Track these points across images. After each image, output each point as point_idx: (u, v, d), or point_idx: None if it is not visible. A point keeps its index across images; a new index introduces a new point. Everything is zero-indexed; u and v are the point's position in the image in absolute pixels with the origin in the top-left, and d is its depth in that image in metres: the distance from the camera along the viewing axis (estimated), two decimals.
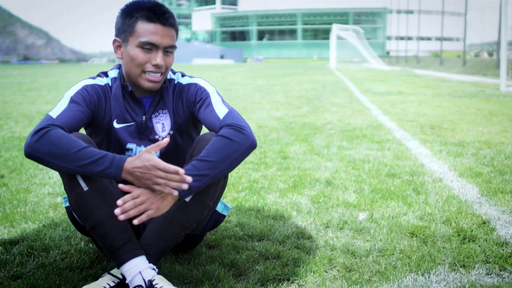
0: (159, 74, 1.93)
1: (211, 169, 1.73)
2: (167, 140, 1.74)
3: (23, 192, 3.28)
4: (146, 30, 1.88)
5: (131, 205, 1.67)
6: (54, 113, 1.83)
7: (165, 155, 2.05)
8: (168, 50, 1.93)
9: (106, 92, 2.01)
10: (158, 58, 1.90)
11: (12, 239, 2.40)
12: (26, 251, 2.25)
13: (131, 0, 1.95)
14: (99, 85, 2.00)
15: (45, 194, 3.24)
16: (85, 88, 1.96)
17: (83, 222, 1.82)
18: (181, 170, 1.66)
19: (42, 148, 1.69)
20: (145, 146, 2.03)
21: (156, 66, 1.90)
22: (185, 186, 1.67)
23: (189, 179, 1.67)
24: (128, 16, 1.92)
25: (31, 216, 2.77)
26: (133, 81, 1.96)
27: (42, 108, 8.83)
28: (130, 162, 1.68)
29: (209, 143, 1.78)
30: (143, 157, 1.69)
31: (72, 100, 1.90)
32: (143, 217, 1.69)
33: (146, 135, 2.03)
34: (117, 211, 1.66)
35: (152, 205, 1.69)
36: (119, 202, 1.67)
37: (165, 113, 2.04)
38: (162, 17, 1.89)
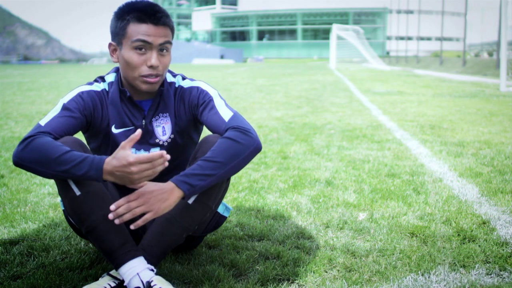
0: (156, 75, 1.91)
1: (216, 169, 1.73)
2: (139, 131, 1.68)
3: (23, 192, 3.28)
4: (137, 31, 1.86)
5: (124, 209, 1.66)
6: (44, 121, 1.84)
7: None
8: (163, 49, 1.91)
9: (103, 97, 2.00)
10: (153, 58, 1.87)
11: (12, 239, 2.40)
12: (26, 251, 2.25)
13: (124, 2, 1.94)
14: (95, 91, 1.99)
15: (45, 194, 3.24)
16: (80, 95, 1.95)
17: (79, 226, 1.82)
18: (164, 152, 1.65)
19: (27, 156, 1.70)
20: (145, 150, 2.03)
21: (152, 67, 1.88)
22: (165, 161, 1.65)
23: (167, 156, 1.66)
24: (120, 19, 1.90)
25: (31, 216, 2.77)
26: (131, 83, 1.95)
27: (42, 108, 8.83)
28: (108, 163, 1.66)
29: (215, 145, 1.78)
30: (119, 155, 1.65)
31: (65, 107, 1.90)
32: (139, 222, 1.68)
33: (146, 139, 2.02)
34: (110, 215, 1.67)
35: (152, 206, 1.68)
36: (112, 207, 1.67)
37: (166, 117, 2.03)
38: (154, 16, 1.87)
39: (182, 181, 1.70)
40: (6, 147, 4.92)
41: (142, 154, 1.64)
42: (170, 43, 1.93)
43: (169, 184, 1.71)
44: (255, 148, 1.81)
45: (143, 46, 1.87)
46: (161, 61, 1.91)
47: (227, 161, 1.75)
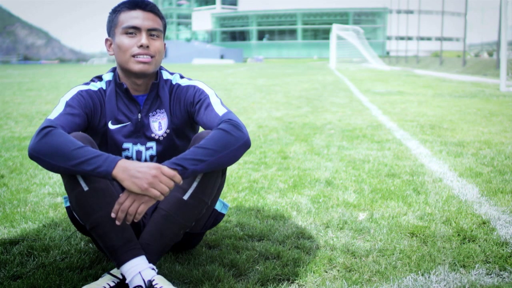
0: (148, 56, 1.96)
1: (208, 156, 1.76)
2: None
3: (23, 192, 3.28)
4: (127, 16, 1.96)
5: (122, 213, 1.71)
6: (52, 116, 1.86)
7: (162, 154, 2.06)
8: (153, 33, 1.97)
9: (100, 96, 2.04)
10: (143, 39, 1.94)
11: (12, 239, 2.40)
12: (26, 251, 2.25)
13: None
14: (93, 91, 2.04)
15: (45, 194, 3.24)
16: (80, 93, 2.00)
17: (83, 222, 1.83)
18: (179, 178, 1.71)
19: (42, 148, 1.70)
20: (142, 144, 2.06)
21: (142, 46, 1.94)
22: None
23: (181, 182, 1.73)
24: (113, 13, 2.01)
25: (31, 216, 2.77)
26: (124, 68, 1.99)
27: (42, 108, 8.83)
28: (127, 161, 1.70)
29: (208, 135, 1.82)
30: (146, 162, 1.73)
31: (68, 104, 1.93)
32: (137, 216, 1.72)
33: (142, 132, 2.05)
34: (117, 222, 1.72)
35: (143, 198, 1.71)
36: (112, 214, 1.72)
37: (162, 113, 2.07)
38: (142, 3, 1.97)
39: (174, 163, 1.72)
40: (6, 147, 4.92)
41: (168, 169, 1.69)
42: (160, 30, 2.00)
43: None
44: (245, 142, 1.84)
45: (134, 30, 1.95)
46: (152, 43, 1.97)
47: (218, 150, 1.78)
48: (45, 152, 1.70)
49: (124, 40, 1.95)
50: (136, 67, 1.96)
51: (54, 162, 1.70)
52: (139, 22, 1.95)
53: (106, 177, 1.68)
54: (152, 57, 1.97)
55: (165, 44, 2.07)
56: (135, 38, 1.95)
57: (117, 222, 1.72)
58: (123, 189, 1.97)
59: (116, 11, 2.00)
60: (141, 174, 1.67)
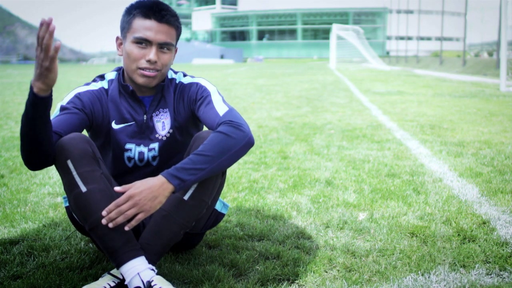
0: (154, 70, 1.93)
1: (207, 163, 1.75)
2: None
3: (23, 192, 3.28)
4: (141, 26, 1.91)
5: (115, 214, 1.70)
6: None
7: (164, 152, 2.06)
8: (164, 47, 1.94)
9: (102, 95, 2.03)
10: (151, 54, 1.90)
11: (12, 239, 2.40)
12: (26, 251, 2.25)
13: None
14: (92, 90, 2.03)
15: (45, 194, 3.24)
16: (77, 95, 1.99)
17: (82, 223, 1.82)
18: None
19: (22, 146, 1.76)
20: (145, 145, 2.04)
21: (149, 62, 1.91)
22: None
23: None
24: (127, 14, 1.95)
25: (31, 216, 2.77)
26: (130, 76, 1.98)
27: None
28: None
29: (207, 139, 1.80)
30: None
31: (62, 108, 1.93)
32: (133, 223, 1.71)
33: (147, 134, 2.05)
34: (103, 221, 1.70)
35: (143, 207, 1.70)
36: (103, 212, 1.70)
37: (166, 112, 2.06)
38: (158, 13, 1.90)
39: (172, 175, 1.71)
40: (6, 147, 4.91)
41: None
42: (172, 43, 1.95)
43: (159, 179, 1.72)
44: (247, 142, 1.82)
45: (144, 41, 1.91)
46: (160, 57, 1.93)
47: (218, 155, 1.76)
48: (22, 148, 1.76)
49: (133, 49, 1.91)
50: (140, 80, 1.94)
51: (23, 141, 1.73)
52: (151, 35, 1.90)
53: (35, 97, 1.63)
54: (158, 71, 1.94)
55: (177, 49, 2.05)
56: (144, 50, 1.91)
57: (103, 221, 1.69)
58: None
59: (130, 13, 1.94)
60: (38, 63, 1.58)
